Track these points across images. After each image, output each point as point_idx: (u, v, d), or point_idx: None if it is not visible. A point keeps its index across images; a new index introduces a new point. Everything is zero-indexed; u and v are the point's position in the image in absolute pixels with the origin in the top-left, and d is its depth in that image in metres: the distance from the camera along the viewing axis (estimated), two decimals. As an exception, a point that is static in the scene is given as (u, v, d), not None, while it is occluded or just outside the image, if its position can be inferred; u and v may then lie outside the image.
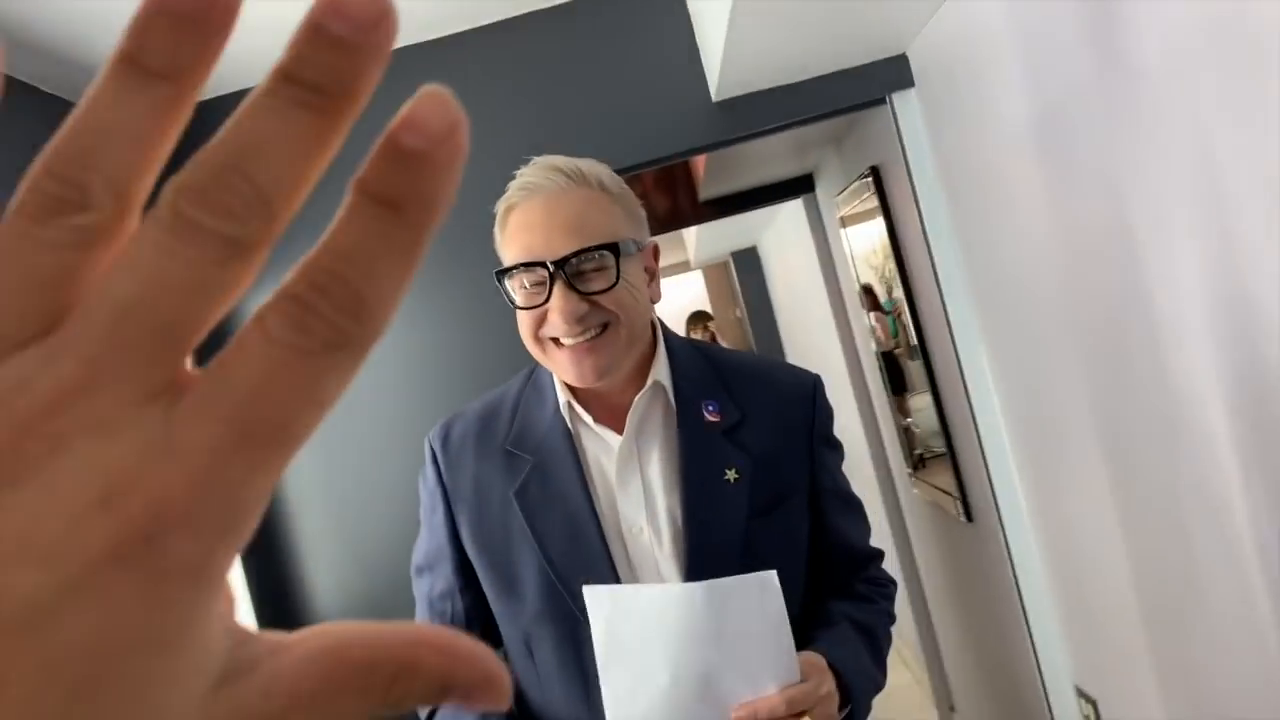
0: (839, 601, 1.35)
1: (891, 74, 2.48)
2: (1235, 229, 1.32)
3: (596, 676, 1.15)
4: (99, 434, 0.21)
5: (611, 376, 1.21)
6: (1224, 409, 1.46)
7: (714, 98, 2.47)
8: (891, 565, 4.42)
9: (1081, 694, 2.38)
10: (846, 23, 2.14)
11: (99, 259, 0.22)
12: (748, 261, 6.80)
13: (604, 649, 1.13)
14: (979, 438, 2.55)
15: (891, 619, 1.40)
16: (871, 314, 3.68)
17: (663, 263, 5.21)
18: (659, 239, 7.23)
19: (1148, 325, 1.63)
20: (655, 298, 1.27)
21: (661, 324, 1.35)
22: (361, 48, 0.22)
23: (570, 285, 1.16)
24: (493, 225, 1.27)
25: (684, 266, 8.02)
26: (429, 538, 1.33)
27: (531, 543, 1.23)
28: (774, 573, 1.13)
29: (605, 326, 1.19)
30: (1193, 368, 1.52)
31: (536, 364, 1.33)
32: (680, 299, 8.59)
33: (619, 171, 2.60)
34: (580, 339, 1.18)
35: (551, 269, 1.16)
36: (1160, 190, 1.48)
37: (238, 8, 0.22)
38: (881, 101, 2.54)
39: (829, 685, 1.17)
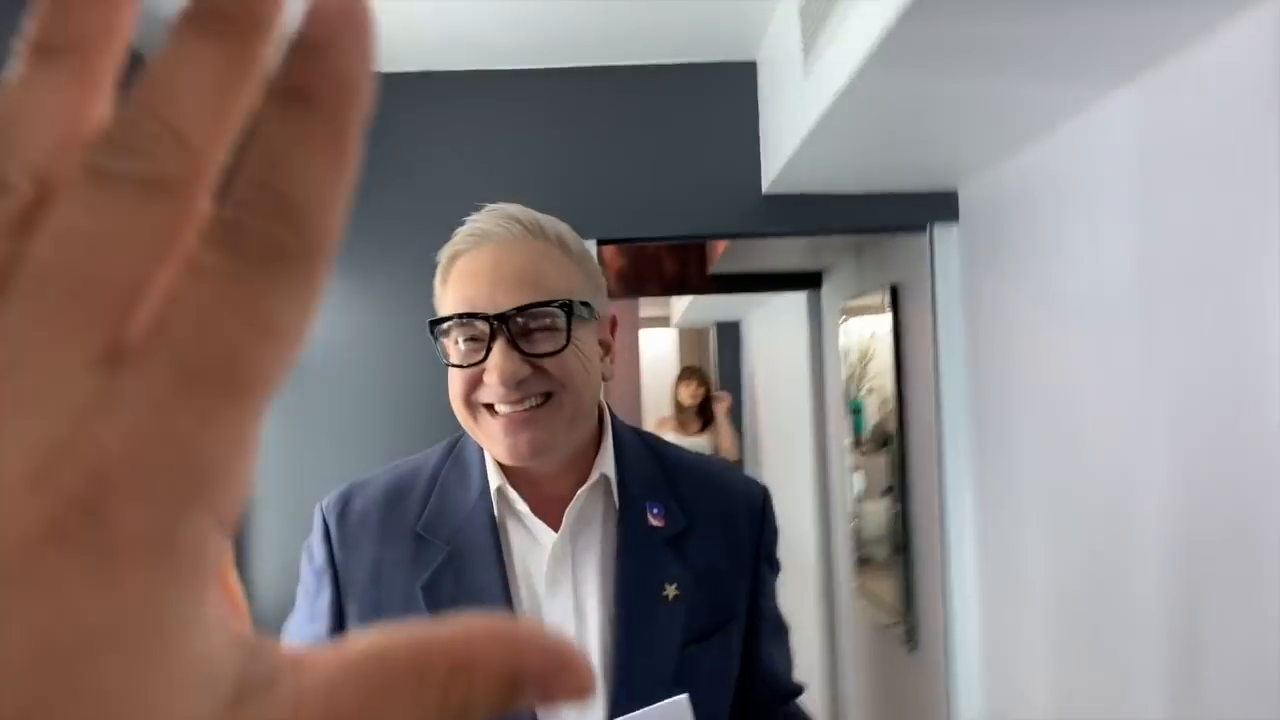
0: None
1: (938, 206, 2.53)
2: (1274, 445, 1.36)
3: None
4: (29, 409, 0.19)
5: (548, 456, 1.07)
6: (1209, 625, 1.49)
7: (764, 190, 2.50)
8: (812, 666, 4.42)
9: None
10: (909, 154, 2.19)
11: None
12: (729, 333, 6.85)
13: None
14: (945, 574, 2.57)
15: None
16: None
17: (644, 314, 5.19)
18: (658, 300, 7.08)
19: (1139, 522, 1.67)
20: (608, 375, 1.13)
21: (610, 410, 1.20)
22: None
23: (513, 344, 1.03)
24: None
25: (663, 322, 8.04)
26: (306, 624, 1.13)
27: None
28: (685, 698, 1.01)
29: (548, 397, 1.05)
30: (1175, 583, 1.56)
31: (461, 436, 1.17)
32: (651, 350, 8.62)
33: (651, 240, 2.63)
34: (518, 407, 1.04)
35: (493, 324, 1.03)
36: (1200, 389, 1.52)
37: None
38: (922, 229, 2.58)
39: None
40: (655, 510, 1.14)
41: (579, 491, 1.11)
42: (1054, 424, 2.05)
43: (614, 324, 1.16)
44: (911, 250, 2.80)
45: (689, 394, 5.98)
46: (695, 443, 5.89)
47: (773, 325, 5.46)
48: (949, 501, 2.57)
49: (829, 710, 4.23)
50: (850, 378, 3.66)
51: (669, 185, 2.52)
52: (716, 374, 6.77)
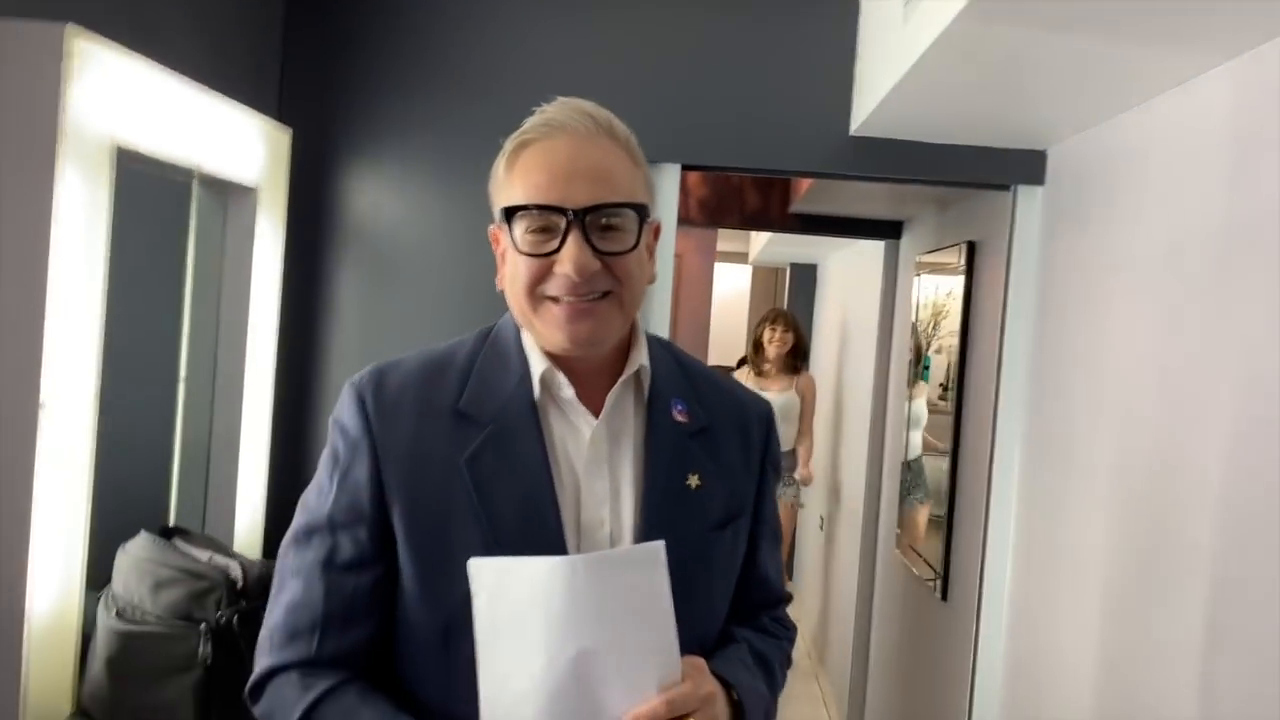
0: (742, 629, 1.28)
1: (1025, 166, 2.52)
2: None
3: None
4: None
5: (597, 348, 1.14)
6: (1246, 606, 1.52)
7: (852, 131, 2.51)
8: (847, 612, 4.50)
9: (1000, 797, 2.46)
10: (1002, 110, 2.18)
11: None
12: (804, 276, 6.84)
13: (483, 628, 1.03)
14: (985, 530, 2.62)
15: (789, 661, 1.33)
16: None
17: (722, 247, 5.18)
18: (731, 232, 7.00)
19: (1188, 501, 1.69)
20: (652, 278, 1.19)
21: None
22: None
23: (586, 239, 1.08)
24: None
25: (741, 258, 8.04)
26: (338, 494, 1.14)
27: (480, 518, 1.10)
28: (661, 544, 1.05)
29: (606, 294, 1.11)
30: (1223, 565, 1.59)
31: (493, 327, 1.23)
32: (723, 285, 8.64)
33: (734, 170, 2.66)
34: (581, 300, 1.10)
35: (570, 217, 1.08)
36: (1265, 374, 1.54)
37: None
38: (1005, 188, 2.58)
39: (710, 687, 1.09)
40: (680, 407, 1.20)
41: (621, 379, 1.17)
42: (1112, 397, 2.06)
43: (657, 230, 1.21)
44: (994, 209, 2.80)
45: (771, 339, 5.21)
46: (778, 400, 4.93)
47: (849, 271, 5.45)
48: (997, 464, 2.60)
49: (859, 624, 4.34)
50: (923, 333, 3.67)
51: (757, 116, 2.53)
52: (787, 315, 6.76)
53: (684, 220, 4.07)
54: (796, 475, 5.24)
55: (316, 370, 2.55)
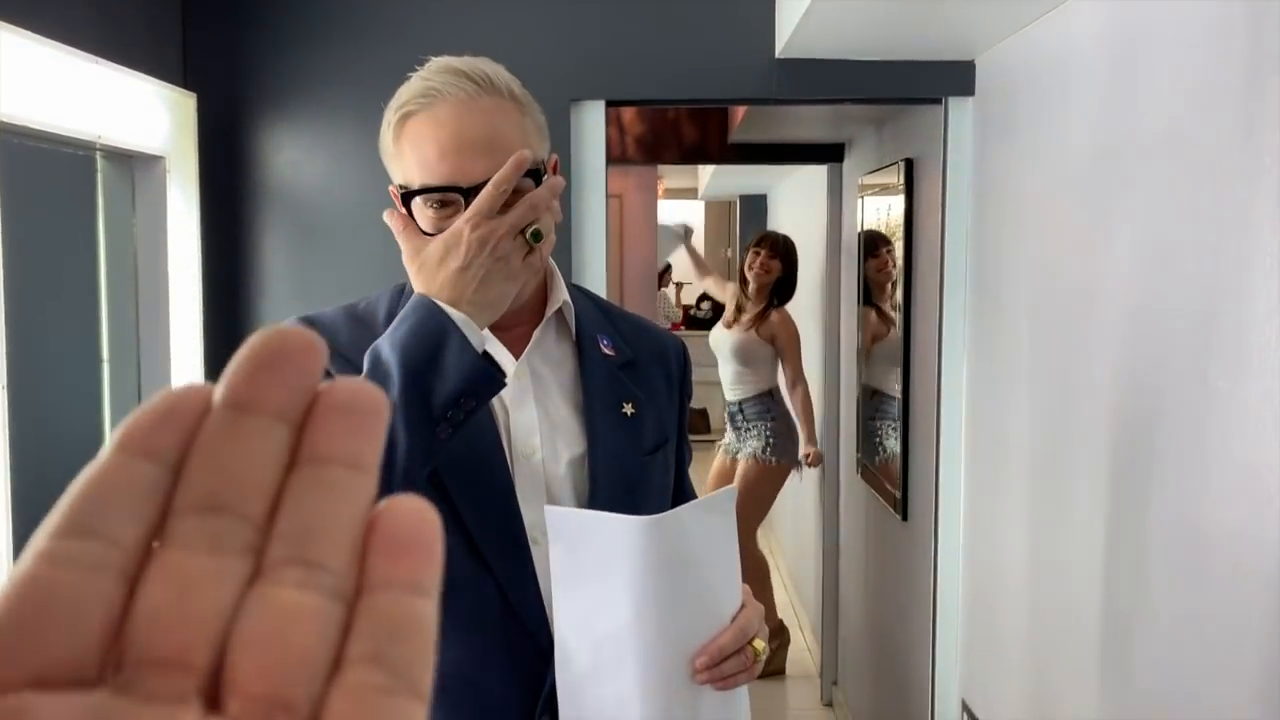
0: None
1: (955, 78, 2.48)
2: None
3: (468, 593, 1.13)
4: None
5: (515, 299, 1.16)
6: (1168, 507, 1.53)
7: (777, 54, 2.45)
8: (812, 535, 4.54)
9: (966, 708, 2.50)
10: (928, 17, 2.14)
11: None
12: (754, 206, 6.81)
13: (562, 573, 1.10)
14: (938, 443, 2.62)
15: None
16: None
17: (671, 184, 5.09)
18: (679, 169, 6.93)
19: (1100, 401, 1.69)
20: (557, 218, 1.18)
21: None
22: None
23: None
24: None
25: (690, 193, 7.97)
26: None
27: None
28: (733, 489, 1.15)
29: None
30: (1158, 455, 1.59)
31: (406, 282, 1.21)
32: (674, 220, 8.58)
33: (660, 103, 2.60)
34: None
35: (467, 194, 1.08)
36: (1156, 263, 1.53)
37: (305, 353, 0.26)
38: (937, 101, 2.54)
39: (761, 607, 1.19)
40: (606, 342, 1.27)
41: (546, 317, 1.22)
42: (1039, 298, 2.07)
43: (555, 165, 1.22)
44: (928, 123, 2.76)
45: (752, 265, 4.29)
46: (727, 340, 4.36)
47: (797, 198, 5.42)
48: (945, 378, 2.60)
49: (827, 546, 4.38)
50: (870, 253, 3.65)
51: (680, 45, 2.46)
52: (738, 248, 6.74)
53: (622, 159, 4.01)
54: (800, 456, 4.35)
55: (245, 338, 2.49)
